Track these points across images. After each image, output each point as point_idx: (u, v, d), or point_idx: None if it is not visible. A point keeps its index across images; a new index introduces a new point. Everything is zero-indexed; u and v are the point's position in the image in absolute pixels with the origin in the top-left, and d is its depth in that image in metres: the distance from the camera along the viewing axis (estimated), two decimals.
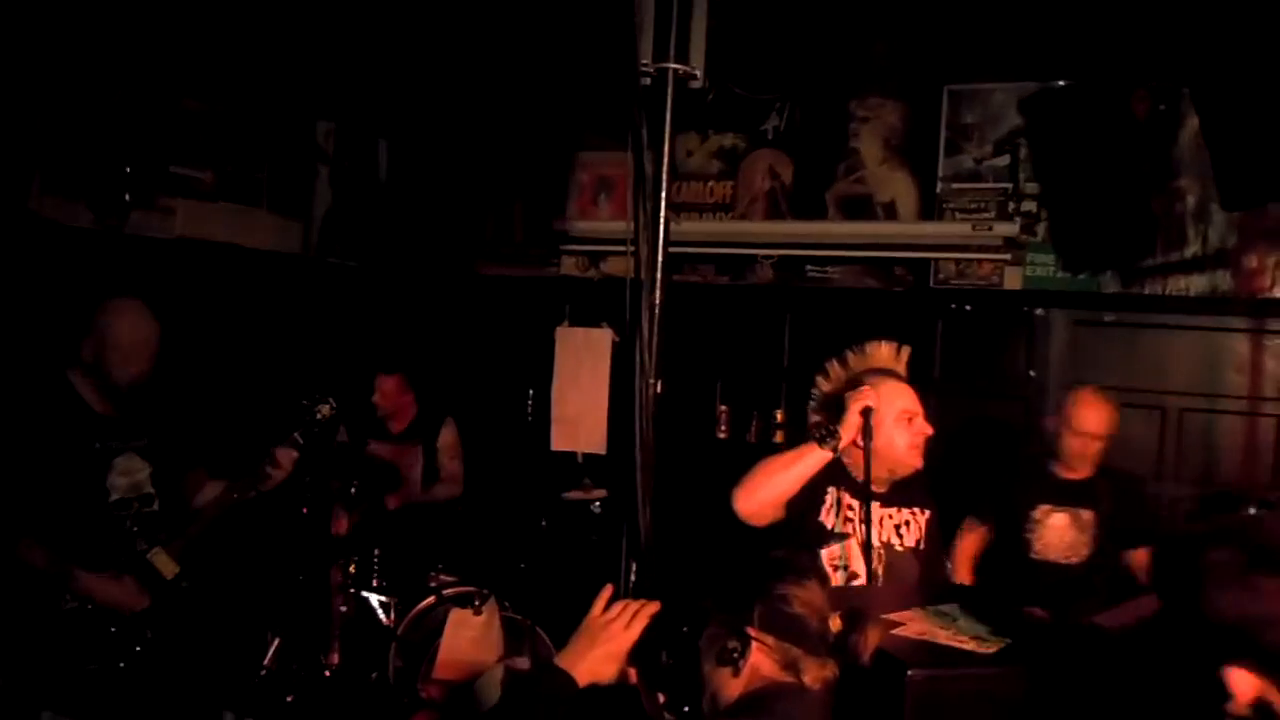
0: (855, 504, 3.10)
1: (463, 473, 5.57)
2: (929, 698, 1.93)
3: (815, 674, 1.95)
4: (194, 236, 5.21)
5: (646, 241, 2.32)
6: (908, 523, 3.20)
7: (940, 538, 3.37)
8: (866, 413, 3.01)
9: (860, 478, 3.07)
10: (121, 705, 3.27)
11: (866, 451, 3.02)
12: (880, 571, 3.07)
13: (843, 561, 3.09)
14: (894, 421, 3.08)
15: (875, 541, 3.10)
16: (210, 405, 4.77)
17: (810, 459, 3.00)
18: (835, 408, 3.11)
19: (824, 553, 3.07)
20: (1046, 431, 4.07)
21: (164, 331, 3.46)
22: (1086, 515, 3.93)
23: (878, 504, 3.12)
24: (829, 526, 3.10)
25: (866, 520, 3.03)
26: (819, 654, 1.96)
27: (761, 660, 1.97)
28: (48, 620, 3.19)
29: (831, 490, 3.10)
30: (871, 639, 2.01)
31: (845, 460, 3.10)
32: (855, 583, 3.05)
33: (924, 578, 3.18)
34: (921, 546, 3.22)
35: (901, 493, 3.20)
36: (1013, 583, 2.69)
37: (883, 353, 3.29)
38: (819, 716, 1.94)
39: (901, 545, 3.15)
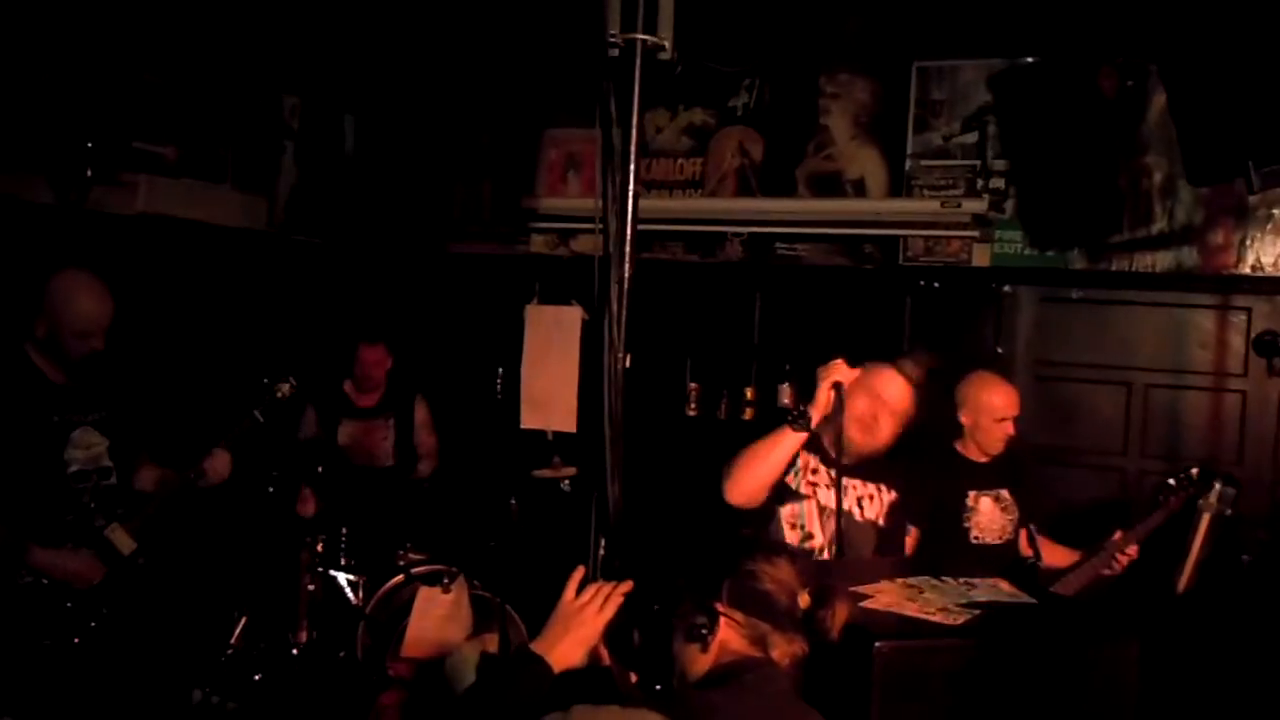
0: (821, 469, 3.20)
1: (437, 447, 5.59)
2: (896, 669, 1.93)
3: (784, 650, 1.95)
4: (156, 212, 5.13)
5: (615, 215, 2.30)
6: (871, 497, 3.28)
7: (903, 521, 3.41)
8: (837, 387, 3.09)
9: (832, 449, 3.14)
10: (79, 682, 3.24)
11: (837, 426, 3.09)
12: (834, 538, 3.11)
13: (800, 520, 3.18)
14: (853, 414, 3.16)
15: (831, 505, 3.14)
16: (172, 382, 4.73)
17: (786, 443, 3.08)
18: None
19: (782, 510, 3.17)
20: (957, 416, 4.08)
21: (126, 309, 3.42)
22: (1005, 494, 4.00)
23: (844, 474, 3.17)
24: (791, 486, 3.18)
25: (838, 489, 3.09)
26: (787, 630, 1.97)
27: (730, 636, 1.97)
28: (2, 595, 3.14)
29: (801, 454, 3.18)
30: (840, 615, 2.01)
31: (820, 429, 3.16)
32: (809, 544, 3.09)
33: (879, 552, 3.23)
34: (881, 523, 3.28)
35: (869, 468, 3.27)
36: (961, 571, 2.75)
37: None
38: (788, 691, 1.95)
39: (861, 517, 3.21)
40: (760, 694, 1.90)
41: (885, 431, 3.21)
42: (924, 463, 4.23)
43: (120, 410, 3.47)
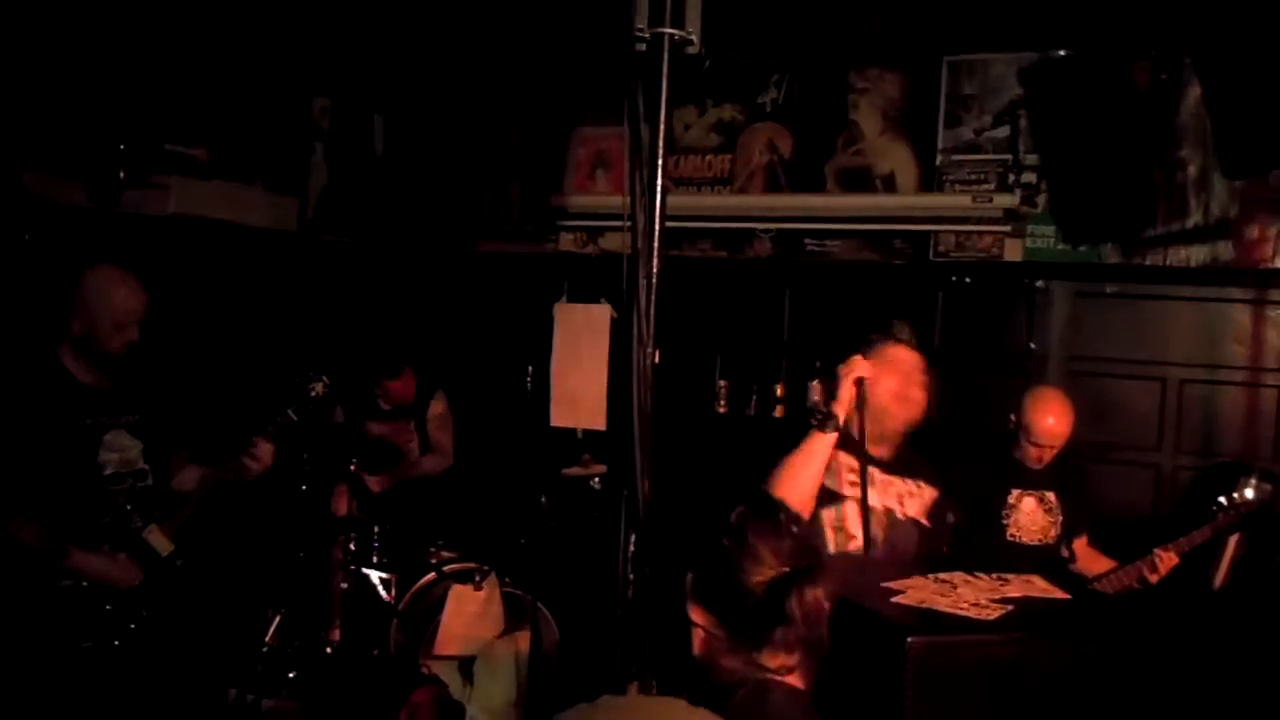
0: (856, 466, 3.14)
1: (452, 444, 5.58)
2: (929, 665, 1.91)
3: (780, 660, 1.82)
4: (188, 214, 5.17)
5: (643, 210, 2.30)
6: (911, 494, 3.24)
7: (947, 521, 3.38)
8: (860, 383, 3.08)
9: (866, 445, 3.12)
10: (118, 683, 3.27)
11: (861, 421, 3.08)
12: (879, 537, 3.09)
13: (840, 522, 3.13)
14: (887, 394, 3.16)
15: (876, 505, 3.13)
16: (204, 383, 4.77)
17: (819, 447, 3.04)
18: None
19: (824, 514, 3.11)
20: (1011, 422, 4.06)
21: (158, 310, 3.45)
22: (1051, 497, 3.98)
23: (879, 470, 3.17)
24: (830, 488, 3.13)
25: (863, 483, 3.07)
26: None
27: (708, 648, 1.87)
28: (42, 599, 3.17)
29: (839, 454, 3.13)
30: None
31: (857, 427, 3.13)
32: (850, 545, 3.07)
33: (923, 551, 3.20)
34: (925, 521, 3.24)
35: (906, 463, 3.25)
36: (994, 567, 2.72)
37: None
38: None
39: (903, 513, 3.17)
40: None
41: (919, 396, 3.22)
42: (975, 461, 4.23)
43: (154, 412, 3.49)
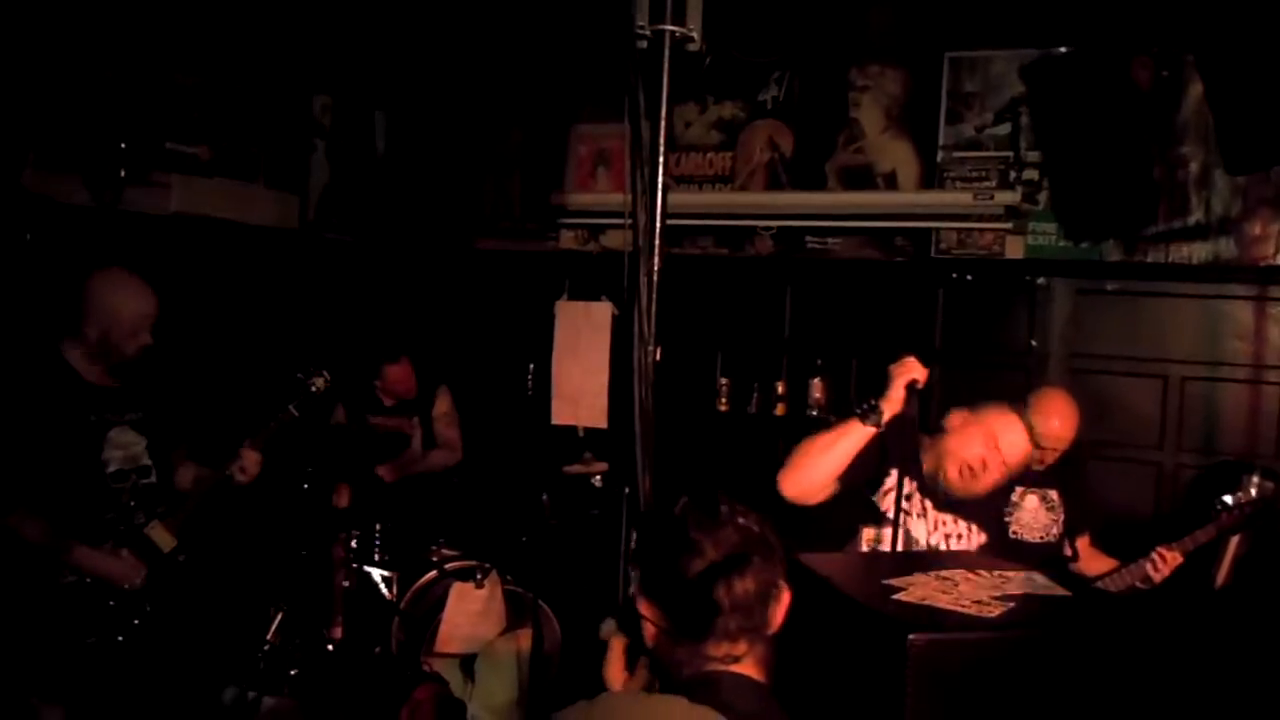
0: (916, 497, 3.03)
1: (460, 440, 5.58)
2: (931, 662, 1.91)
3: (725, 649, 1.82)
4: (189, 212, 5.17)
5: (644, 206, 2.30)
6: (961, 536, 3.10)
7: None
8: (911, 386, 2.91)
9: (934, 480, 3.02)
10: (121, 679, 3.27)
11: (912, 421, 2.93)
12: None
13: (876, 544, 3.02)
14: (979, 458, 2.99)
15: (920, 539, 3.02)
16: (206, 381, 4.77)
17: (853, 435, 2.91)
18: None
19: (864, 531, 3.03)
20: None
21: (161, 308, 3.44)
22: (1054, 495, 3.96)
23: (933, 506, 3.06)
24: (879, 507, 3.03)
25: (897, 496, 2.93)
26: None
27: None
28: (46, 595, 3.18)
29: (894, 473, 3.01)
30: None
31: (923, 454, 3.04)
32: None
33: None
34: None
35: (967, 506, 3.09)
36: (995, 564, 2.66)
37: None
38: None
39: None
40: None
41: (988, 480, 3.02)
42: None
43: (157, 409, 3.50)
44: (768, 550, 1.86)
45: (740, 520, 1.87)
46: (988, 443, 3.00)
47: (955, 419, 3.10)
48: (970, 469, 2.99)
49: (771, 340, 5.76)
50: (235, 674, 4.05)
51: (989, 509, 3.16)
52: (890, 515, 2.93)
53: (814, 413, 5.45)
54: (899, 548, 2.92)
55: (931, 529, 3.04)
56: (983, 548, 3.09)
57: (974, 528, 3.11)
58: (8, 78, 4.36)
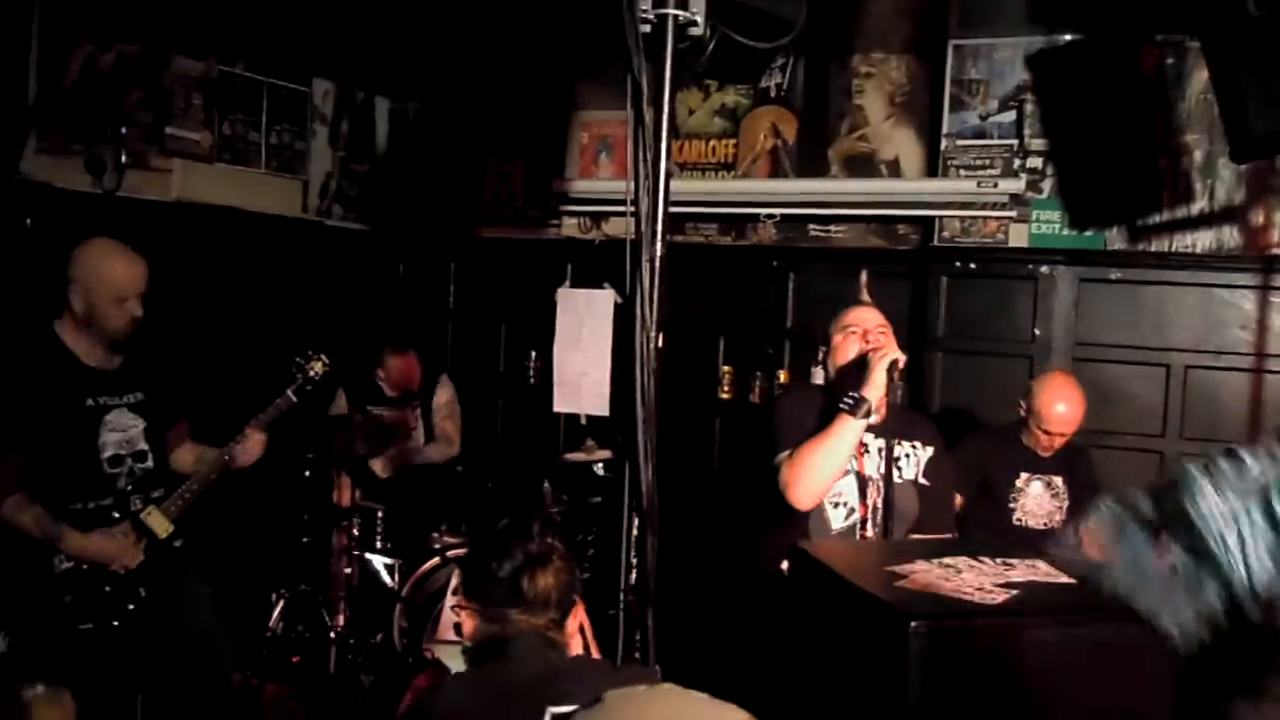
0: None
1: (458, 432, 5.57)
2: (934, 650, 1.90)
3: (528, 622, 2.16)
4: (191, 199, 5.17)
5: (647, 193, 2.29)
6: (907, 455, 3.18)
7: (948, 477, 3.35)
8: (892, 367, 2.98)
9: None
10: (118, 664, 3.27)
11: (892, 403, 3.03)
12: (879, 505, 3.04)
13: (837, 497, 3.09)
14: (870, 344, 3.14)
15: (873, 474, 3.09)
16: (208, 366, 4.76)
17: (849, 432, 2.95)
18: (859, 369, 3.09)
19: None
20: (1020, 407, 4.07)
21: (162, 294, 3.44)
22: (1059, 481, 3.99)
23: (872, 435, 3.11)
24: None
25: (888, 462, 3.03)
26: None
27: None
28: (41, 580, 3.17)
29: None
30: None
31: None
32: (850, 519, 3.04)
33: (926, 513, 3.14)
34: (922, 480, 3.18)
35: (900, 425, 3.17)
36: (999, 551, 2.68)
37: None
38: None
39: (900, 477, 3.11)
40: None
41: (890, 342, 3.17)
42: (983, 436, 4.20)
43: (156, 393, 3.48)
44: (568, 563, 2.26)
45: (548, 539, 2.26)
46: (861, 332, 3.20)
47: (835, 339, 3.27)
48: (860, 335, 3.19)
49: (774, 328, 5.75)
50: (238, 660, 4.06)
51: (920, 422, 3.36)
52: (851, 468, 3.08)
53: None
54: (854, 491, 3.07)
55: (874, 456, 3.12)
56: (931, 460, 3.23)
57: (917, 444, 3.23)
58: (7, 62, 4.35)
